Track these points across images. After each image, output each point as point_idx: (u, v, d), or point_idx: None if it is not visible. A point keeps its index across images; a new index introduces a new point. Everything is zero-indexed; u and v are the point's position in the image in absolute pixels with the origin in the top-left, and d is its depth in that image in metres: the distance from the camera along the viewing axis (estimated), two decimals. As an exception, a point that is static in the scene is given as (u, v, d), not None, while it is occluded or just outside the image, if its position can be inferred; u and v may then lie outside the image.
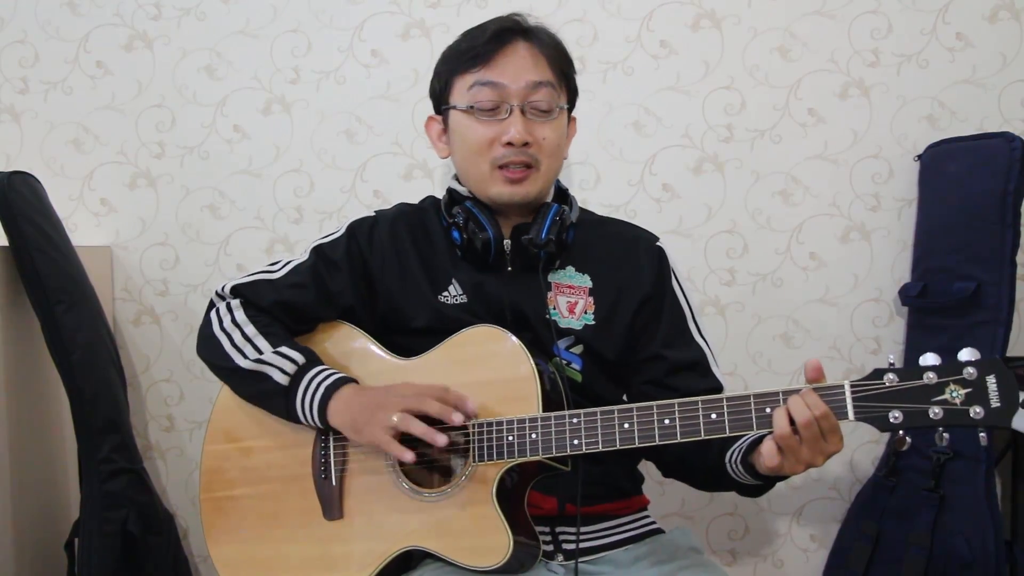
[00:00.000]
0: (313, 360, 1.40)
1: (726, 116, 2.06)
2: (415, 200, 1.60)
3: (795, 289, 2.07)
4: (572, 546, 1.39)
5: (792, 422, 1.17)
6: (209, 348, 1.46)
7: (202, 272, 2.13)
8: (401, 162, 2.10)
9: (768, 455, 1.19)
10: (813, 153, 2.05)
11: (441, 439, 1.26)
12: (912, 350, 2.00)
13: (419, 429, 1.27)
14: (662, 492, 2.03)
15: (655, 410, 1.25)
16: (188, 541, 2.13)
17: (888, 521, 1.92)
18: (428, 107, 1.55)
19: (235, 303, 1.47)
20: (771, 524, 2.13)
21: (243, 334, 1.43)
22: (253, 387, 1.41)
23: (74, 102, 2.13)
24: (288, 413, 1.39)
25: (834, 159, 2.05)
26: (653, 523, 1.51)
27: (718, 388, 1.47)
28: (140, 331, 2.15)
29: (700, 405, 1.23)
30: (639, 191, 2.08)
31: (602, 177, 2.08)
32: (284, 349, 1.39)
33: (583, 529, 1.40)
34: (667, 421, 1.24)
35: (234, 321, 1.44)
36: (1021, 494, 1.93)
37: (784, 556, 2.13)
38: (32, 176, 1.89)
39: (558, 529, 1.41)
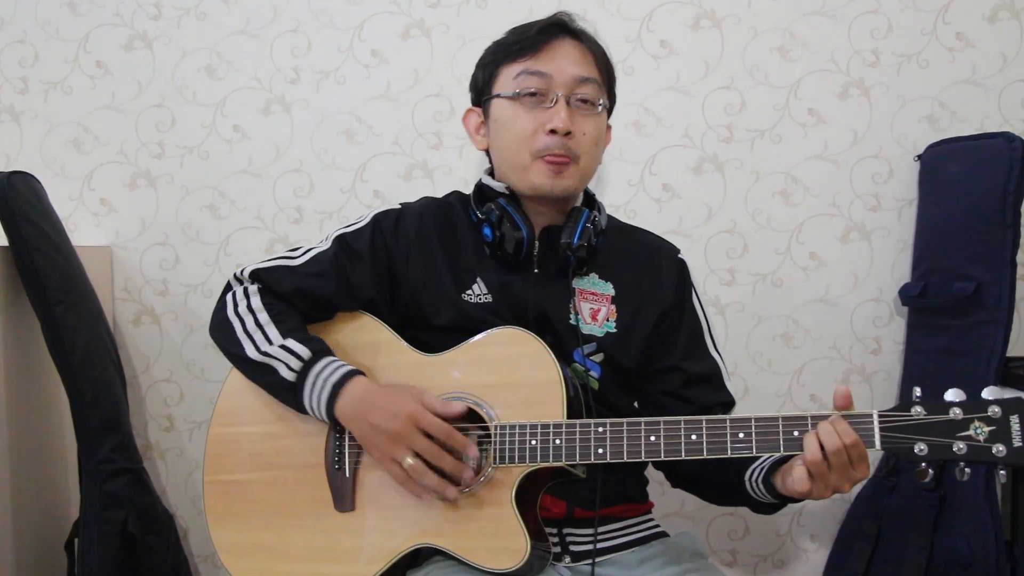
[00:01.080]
0: (320, 353, 1.37)
1: (726, 116, 2.06)
2: (413, 200, 1.58)
3: (795, 289, 2.07)
4: (579, 548, 1.39)
5: (822, 448, 1.18)
6: (222, 331, 1.44)
7: (202, 272, 2.13)
8: (401, 162, 2.10)
9: (799, 480, 1.19)
10: (813, 153, 2.05)
11: (452, 493, 1.29)
12: (912, 350, 2.00)
13: (432, 482, 1.29)
14: (662, 493, 2.03)
15: (682, 425, 1.25)
16: (188, 541, 2.13)
17: (888, 521, 1.92)
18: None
19: (252, 288, 1.44)
20: (771, 524, 2.13)
21: (256, 321, 1.41)
22: (262, 379, 1.40)
23: (74, 102, 2.13)
24: (297, 407, 1.38)
25: (834, 159, 2.05)
26: (657, 526, 1.51)
27: (731, 402, 1.48)
28: (140, 331, 2.15)
29: (728, 424, 1.23)
30: (639, 191, 2.08)
31: (602, 177, 2.08)
32: (291, 343, 1.37)
33: (589, 531, 1.40)
34: (694, 437, 1.24)
35: (249, 307, 1.42)
36: (1021, 494, 1.93)
37: (784, 556, 2.13)
38: (32, 176, 1.89)
39: (566, 531, 1.40)
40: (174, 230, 2.13)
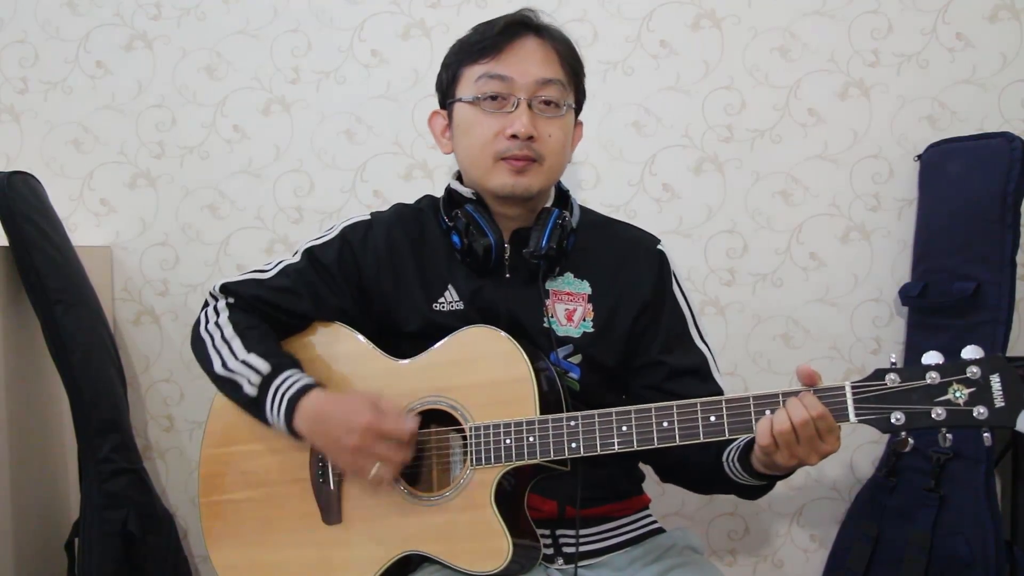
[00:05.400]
0: (279, 368, 1.37)
1: (726, 116, 2.06)
2: (383, 210, 1.57)
3: (795, 289, 2.07)
4: (572, 549, 1.38)
5: (790, 420, 1.17)
6: (196, 348, 1.47)
7: (202, 272, 2.13)
8: (401, 162, 2.10)
9: (762, 433, 1.18)
10: (813, 153, 2.05)
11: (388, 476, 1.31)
12: (912, 350, 2.00)
13: (392, 474, 1.31)
14: (662, 492, 2.03)
15: (653, 413, 1.25)
16: (188, 541, 2.13)
17: (888, 521, 1.92)
18: (428, 107, 1.56)
19: (222, 304, 1.47)
20: (771, 524, 2.13)
21: (222, 336, 1.42)
22: (231, 394, 1.42)
23: (74, 102, 2.13)
24: (264, 423, 1.39)
25: (834, 159, 2.05)
26: (654, 523, 1.50)
27: (718, 393, 1.46)
28: (140, 331, 2.15)
29: (699, 407, 1.23)
30: (639, 191, 2.08)
31: (602, 177, 2.08)
32: (252, 358, 1.38)
33: (584, 532, 1.40)
34: (665, 424, 1.24)
35: (217, 323, 1.44)
36: (1021, 494, 1.93)
37: (784, 556, 2.13)
38: (32, 176, 1.89)
39: (558, 532, 1.40)
40: (174, 230, 2.13)
